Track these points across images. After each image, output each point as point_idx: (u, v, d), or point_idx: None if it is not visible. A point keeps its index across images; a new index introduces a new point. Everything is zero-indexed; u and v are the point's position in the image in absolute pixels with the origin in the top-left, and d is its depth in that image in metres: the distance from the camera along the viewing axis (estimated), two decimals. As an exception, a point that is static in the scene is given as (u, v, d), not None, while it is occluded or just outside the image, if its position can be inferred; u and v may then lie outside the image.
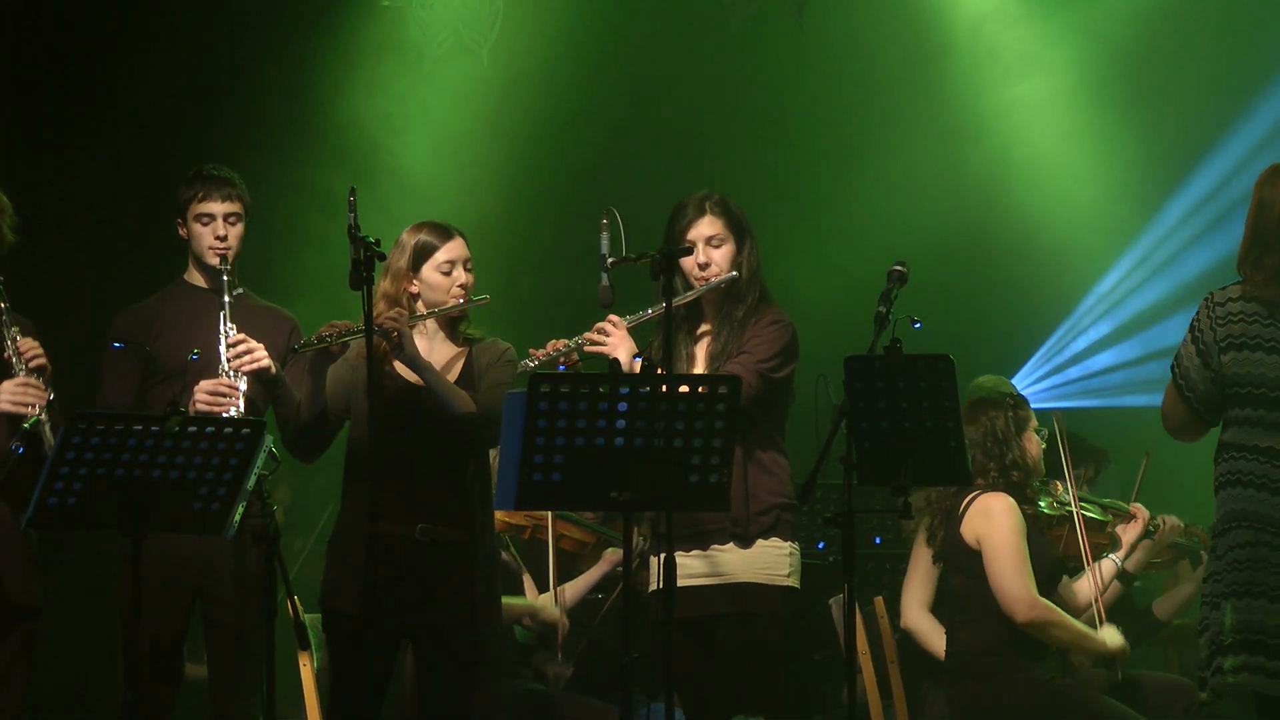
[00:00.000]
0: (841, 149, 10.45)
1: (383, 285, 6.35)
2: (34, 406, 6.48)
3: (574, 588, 8.10)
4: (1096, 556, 7.80)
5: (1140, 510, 7.95)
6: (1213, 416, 6.11)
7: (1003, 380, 8.40)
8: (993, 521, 7.26)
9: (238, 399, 6.66)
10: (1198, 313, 6.13)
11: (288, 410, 6.66)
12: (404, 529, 6.35)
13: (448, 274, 6.51)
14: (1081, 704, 7.25)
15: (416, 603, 6.37)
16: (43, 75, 9.31)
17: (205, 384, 6.69)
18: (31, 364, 6.56)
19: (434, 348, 6.53)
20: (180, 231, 6.98)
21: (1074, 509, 7.76)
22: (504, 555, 7.77)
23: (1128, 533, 7.88)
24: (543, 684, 7.98)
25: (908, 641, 8.01)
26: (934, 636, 7.62)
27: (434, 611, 6.40)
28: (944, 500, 7.44)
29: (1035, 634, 7.26)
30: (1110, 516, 7.93)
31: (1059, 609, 7.31)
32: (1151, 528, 7.94)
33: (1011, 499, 7.32)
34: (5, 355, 6.57)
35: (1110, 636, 7.47)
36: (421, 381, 6.42)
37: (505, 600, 7.64)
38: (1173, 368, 6.17)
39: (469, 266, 6.56)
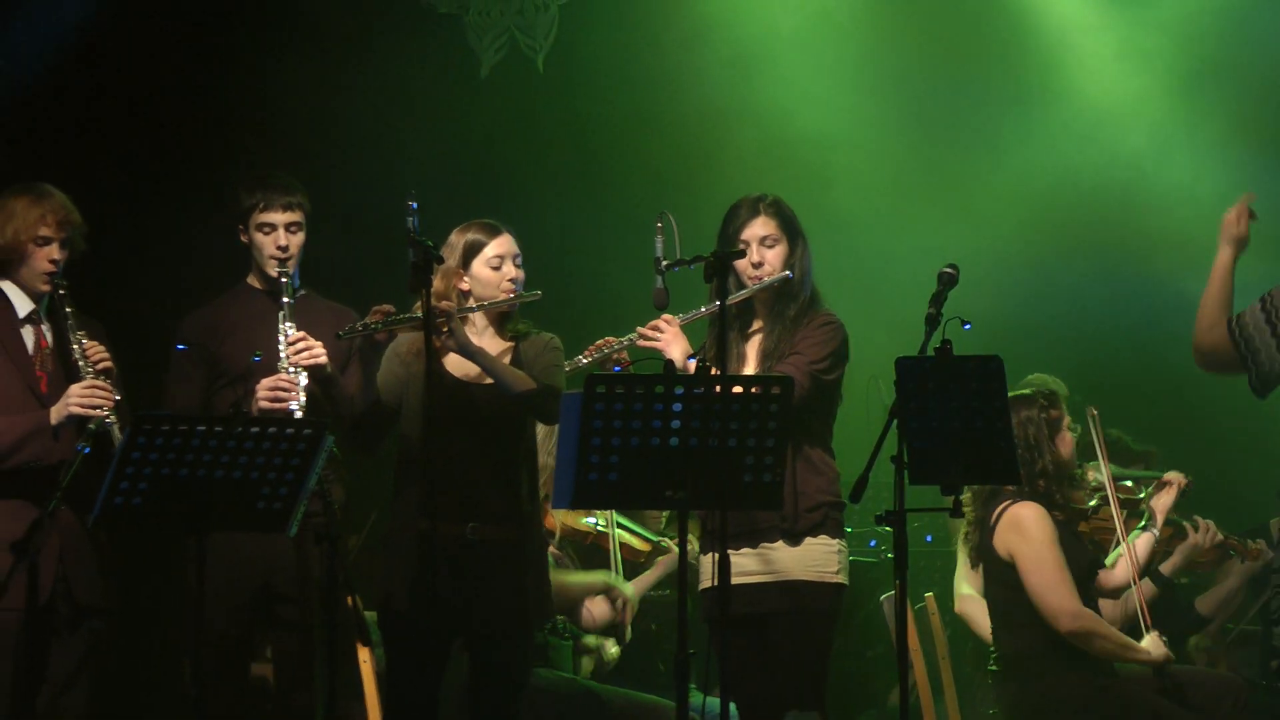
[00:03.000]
0: (886, 160, 10.46)
1: (435, 284, 6.29)
2: (102, 408, 6.60)
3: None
4: (1130, 533, 7.76)
5: (1174, 477, 7.87)
6: (1265, 391, 6.19)
7: (1049, 379, 8.42)
8: (1024, 535, 7.30)
9: (298, 394, 6.73)
10: (1274, 293, 6.17)
11: (343, 408, 6.72)
12: (455, 528, 6.39)
13: (497, 269, 6.56)
14: (1128, 703, 7.31)
15: (468, 600, 6.40)
16: (112, 85, 9.42)
17: (266, 381, 6.76)
18: (98, 366, 6.68)
19: (483, 343, 6.55)
20: (241, 238, 7.06)
21: (1109, 491, 7.74)
22: (565, 559, 7.89)
23: (1160, 501, 7.82)
24: (590, 657, 8.07)
25: (958, 638, 8.05)
26: (985, 621, 7.65)
27: (485, 608, 6.43)
28: (975, 508, 7.48)
29: (1078, 644, 7.30)
30: (1145, 490, 7.91)
31: (1102, 620, 7.36)
32: (1187, 488, 7.86)
33: (1041, 507, 7.35)
34: (73, 359, 6.69)
35: (1153, 646, 7.47)
36: (472, 378, 6.48)
37: (581, 576, 7.74)
38: (1232, 326, 6.20)
39: (518, 262, 6.62)
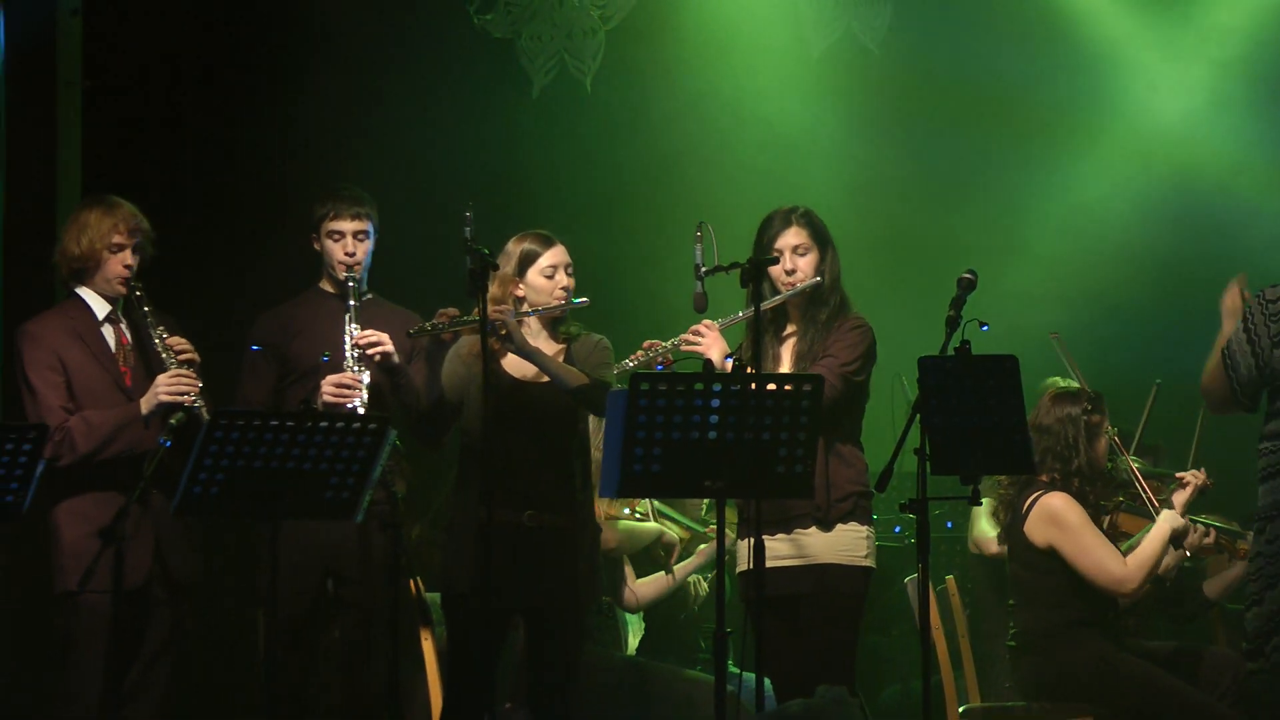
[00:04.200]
0: (908, 175, 10.61)
1: (491, 290, 6.55)
2: (189, 395, 6.88)
3: (669, 578, 8.39)
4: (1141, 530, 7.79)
5: (1192, 476, 7.91)
6: (1250, 402, 6.56)
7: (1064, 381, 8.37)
8: (1062, 525, 7.45)
9: (361, 391, 6.99)
10: (1250, 306, 6.57)
11: (409, 399, 6.97)
12: (514, 516, 6.64)
13: (550, 277, 6.80)
14: (1136, 677, 7.42)
15: (525, 583, 6.65)
16: (189, 99, 9.65)
17: (331, 377, 7.03)
18: (181, 357, 6.96)
19: (538, 344, 6.77)
20: (314, 246, 7.35)
21: (1138, 484, 7.81)
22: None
23: (1177, 498, 7.87)
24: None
25: (977, 617, 8.21)
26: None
27: (541, 590, 6.69)
28: (1007, 493, 7.64)
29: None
30: (1171, 486, 7.96)
31: (1140, 565, 7.45)
32: (1204, 486, 7.91)
33: (1069, 495, 7.50)
34: (154, 353, 6.97)
35: (1171, 520, 7.56)
36: (528, 378, 6.74)
37: (635, 525, 8.00)
38: (1222, 352, 6.59)
39: (570, 271, 6.84)
